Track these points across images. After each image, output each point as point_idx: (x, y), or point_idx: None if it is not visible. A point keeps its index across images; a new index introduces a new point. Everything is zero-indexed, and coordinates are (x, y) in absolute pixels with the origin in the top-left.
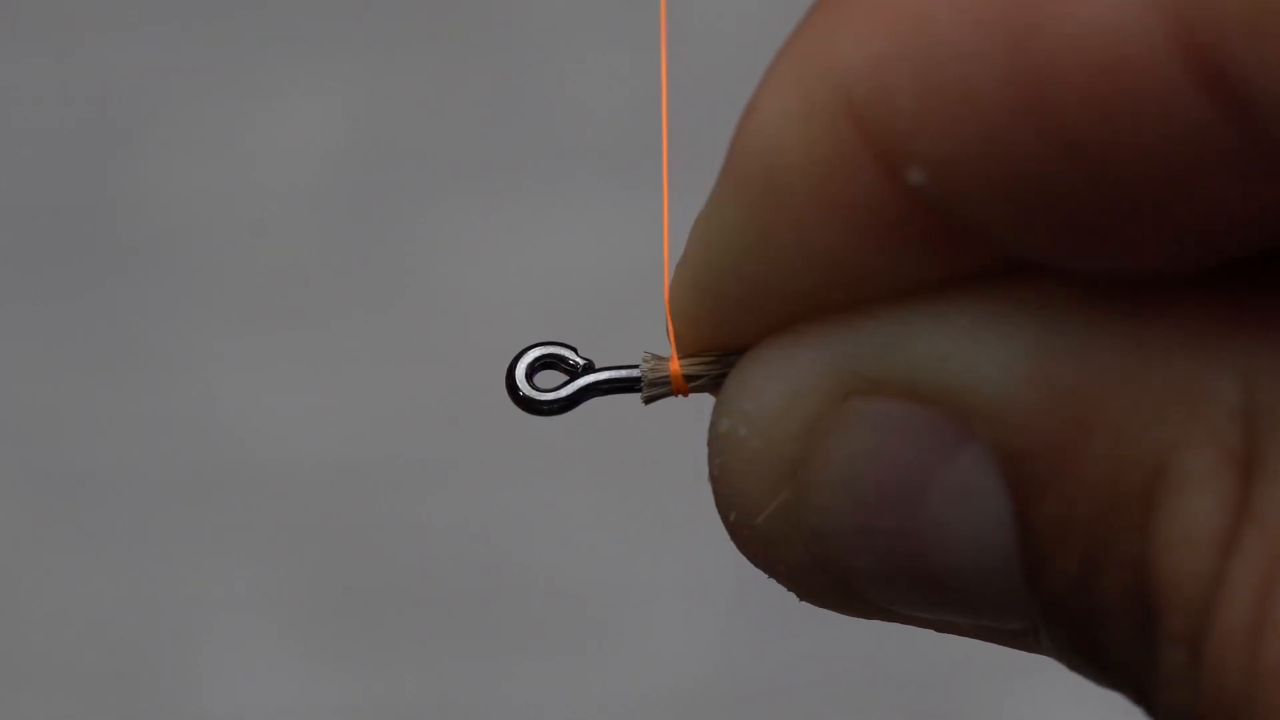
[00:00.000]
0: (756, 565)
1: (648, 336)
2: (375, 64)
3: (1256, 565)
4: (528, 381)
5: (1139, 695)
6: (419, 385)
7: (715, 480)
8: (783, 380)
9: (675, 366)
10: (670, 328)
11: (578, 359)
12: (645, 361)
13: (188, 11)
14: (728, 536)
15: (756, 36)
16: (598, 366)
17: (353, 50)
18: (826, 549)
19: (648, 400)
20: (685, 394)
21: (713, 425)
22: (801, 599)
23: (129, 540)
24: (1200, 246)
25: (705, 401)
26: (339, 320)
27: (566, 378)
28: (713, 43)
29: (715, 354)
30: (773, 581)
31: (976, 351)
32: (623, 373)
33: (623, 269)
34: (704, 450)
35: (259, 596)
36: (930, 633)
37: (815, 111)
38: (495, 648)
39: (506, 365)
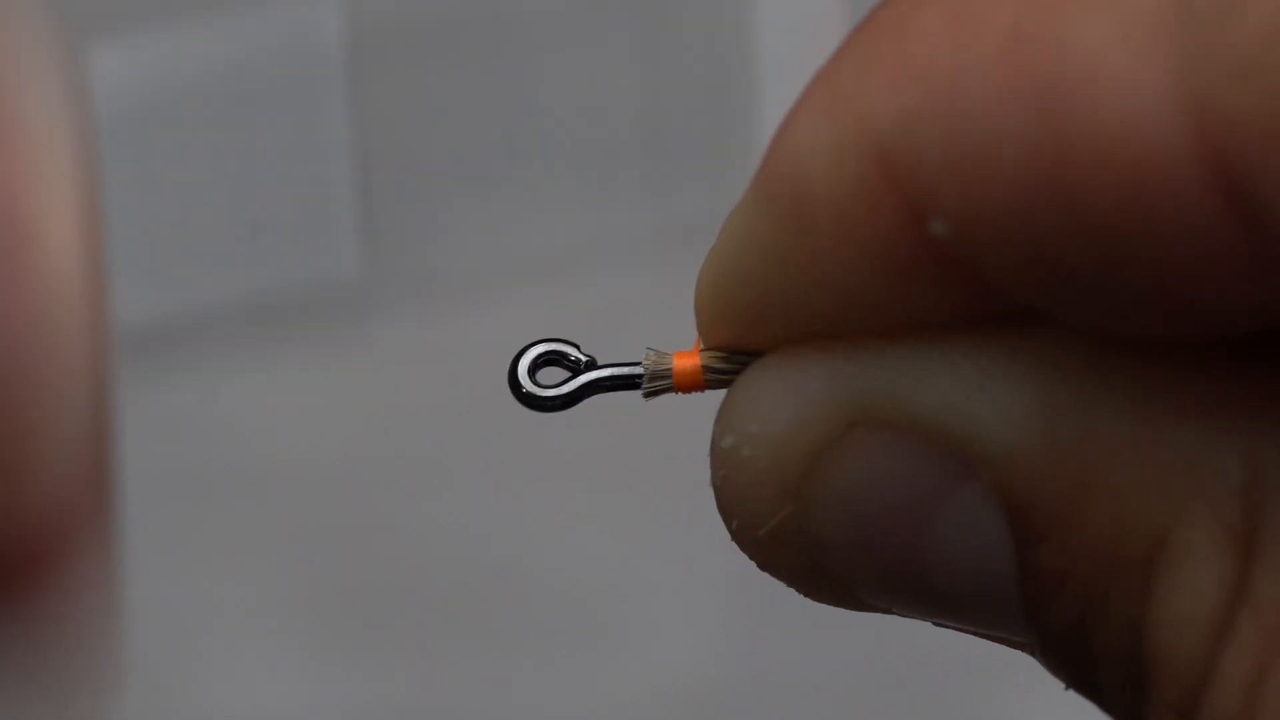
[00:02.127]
0: (760, 568)
1: (645, 335)
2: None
3: (1249, 652)
4: (530, 378)
5: None
6: (419, 385)
7: (718, 490)
8: (788, 406)
9: (677, 363)
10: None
11: (579, 355)
12: (647, 357)
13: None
14: (728, 538)
15: (760, 38)
16: (600, 363)
17: None
18: (829, 560)
19: (648, 395)
20: (685, 391)
21: (715, 439)
22: (804, 596)
23: (129, 540)
24: (1209, 322)
25: (707, 405)
26: (339, 320)
27: (569, 374)
28: (718, 42)
29: (725, 353)
30: (773, 583)
31: (981, 399)
32: (624, 369)
33: (622, 268)
34: (705, 452)
35: (258, 596)
36: (933, 633)
37: (845, 149)
38: (496, 648)
39: (507, 364)
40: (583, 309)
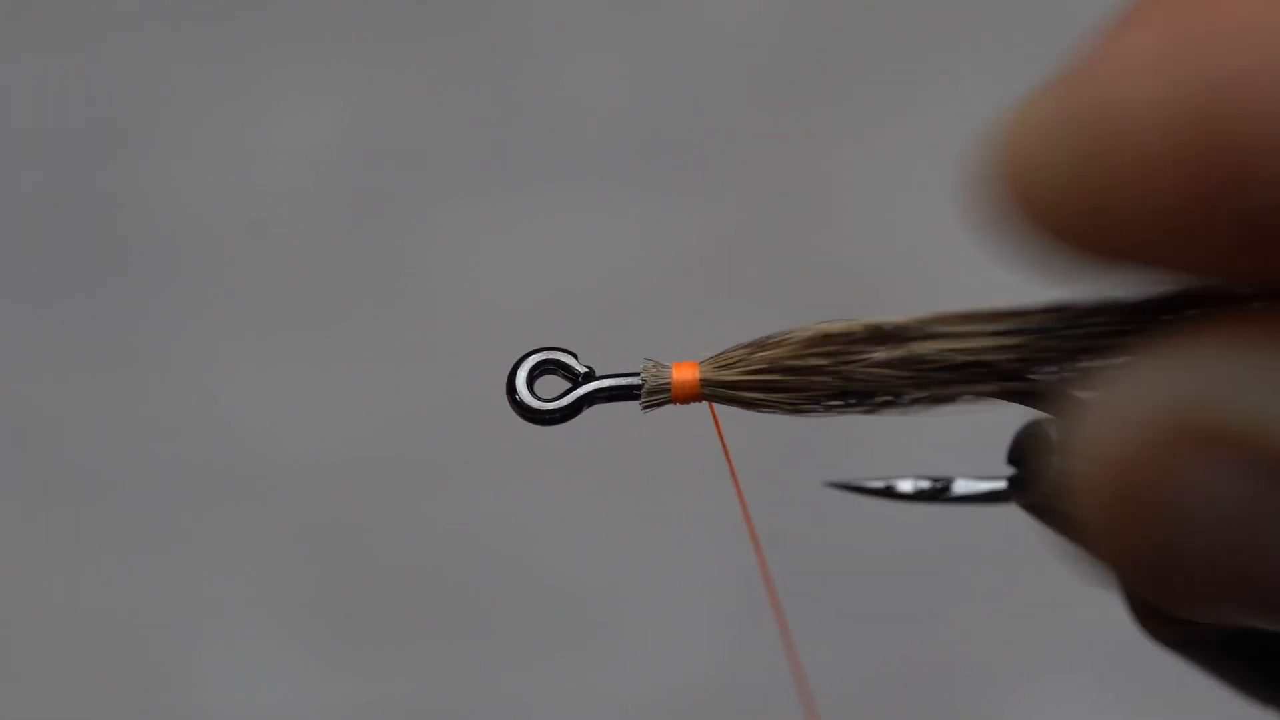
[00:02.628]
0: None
1: (645, 335)
2: (374, 63)
3: None
4: (528, 389)
5: None
6: (419, 386)
7: (1083, 531)
8: (1118, 429)
9: (676, 374)
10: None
11: (578, 366)
12: (645, 368)
13: (187, 11)
14: (736, 538)
15: (758, 38)
16: (598, 374)
17: (352, 50)
18: (1197, 586)
19: (646, 407)
20: (684, 402)
21: (1057, 467)
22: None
23: (129, 540)
24: None
25: (707, 405)
26: (339, 320)
27: (567, 384)
28: (715, 43)
29: (723, 364)
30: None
31: None
32: (623, 380)
33: (622, 268)
34: (704, 451)
35: (258, 596)
36: (932, 635)
37: (1173, 107)
38: (495, 649)
39: (506, 369)
40: (582, 311)
